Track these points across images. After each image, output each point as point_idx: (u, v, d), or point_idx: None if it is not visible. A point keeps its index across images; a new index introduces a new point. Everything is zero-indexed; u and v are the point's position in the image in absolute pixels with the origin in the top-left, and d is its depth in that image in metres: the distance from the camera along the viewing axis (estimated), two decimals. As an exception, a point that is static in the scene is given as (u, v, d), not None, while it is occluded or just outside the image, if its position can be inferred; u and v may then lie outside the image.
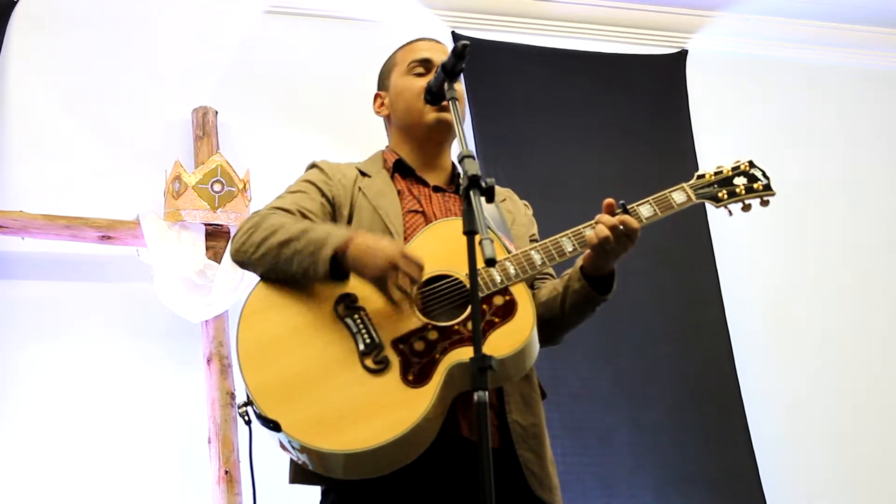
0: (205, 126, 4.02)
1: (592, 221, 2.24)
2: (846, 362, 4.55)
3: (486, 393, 1.72)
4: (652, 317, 4.31)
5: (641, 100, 4.68)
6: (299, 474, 2.20)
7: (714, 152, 4.65)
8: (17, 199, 3.78)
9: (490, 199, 1.88)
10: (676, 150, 4.61)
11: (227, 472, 3.57)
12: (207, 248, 3.78)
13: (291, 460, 2.19)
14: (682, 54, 4.82)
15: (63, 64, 4.06)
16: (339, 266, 2.15)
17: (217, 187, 3.80)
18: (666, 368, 4.25)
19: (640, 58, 4.76)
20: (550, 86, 4.57)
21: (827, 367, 4.52)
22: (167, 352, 3.81)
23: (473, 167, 1.90)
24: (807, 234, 4.70)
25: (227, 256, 3.67)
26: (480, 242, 1.81)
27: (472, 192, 1.86)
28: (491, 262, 1.79)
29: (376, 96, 2.56)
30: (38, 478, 3.60)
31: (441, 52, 2.45)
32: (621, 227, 2.21)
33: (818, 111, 4.95)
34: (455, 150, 2.02)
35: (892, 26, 5.03)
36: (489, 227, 2.23)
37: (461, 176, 2.45)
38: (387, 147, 2.54)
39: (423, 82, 2.41)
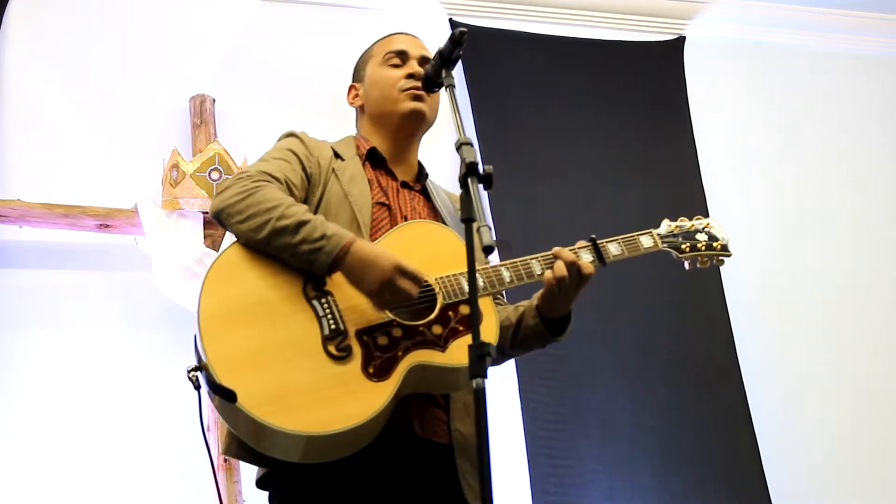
0: (202, 114, 4.01)
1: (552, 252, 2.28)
2: (847, 343, 4.56)
3: (485, 381, 1.71)
4: (652, 300, 4.31)
5: (639, 87, 4.67)
6: (233, 447, 2.17)
7: (712, 139, 4.65)
8: (15, 187, 3.77)
9: (488, 187, 1.88)
10: (675, 137, 4.60)
11: (226, 459, 3.57)
12: (205, 237, 3.77)
13: (229, 431, 2.15)
14: (680, 41, 4.80)
15: (60, 52, 4.04)
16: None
17: (215, 175, 3.79)
18: (666, 351, 4.26)
19: (637, 45, 4.74)
20: (548, 73, 4.56)
21: (828, 349, 4.53)
22: (165, 340, 3.80)
23: (471, 154, 1.89)
24: (806, 219, 4.71)
25: (224, 245, 3.66)
26: (478, 229, 1.80)
27: (469, 180, 1.85)
28: (489, 250, 1.78)
29: (351, 87, 2.58)
30: (38, 466, 3.60)
31: (417, 47, 2.51)
32: (575, 266, 2.24)
33: (817, 97, 4.94)
34: (453, 138, 2.01)
35: (892, 12, 5.01)
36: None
37: (427, 176, 2.53)
38: (357, 135, 2.54)
39: (398, 73, 2.45)
